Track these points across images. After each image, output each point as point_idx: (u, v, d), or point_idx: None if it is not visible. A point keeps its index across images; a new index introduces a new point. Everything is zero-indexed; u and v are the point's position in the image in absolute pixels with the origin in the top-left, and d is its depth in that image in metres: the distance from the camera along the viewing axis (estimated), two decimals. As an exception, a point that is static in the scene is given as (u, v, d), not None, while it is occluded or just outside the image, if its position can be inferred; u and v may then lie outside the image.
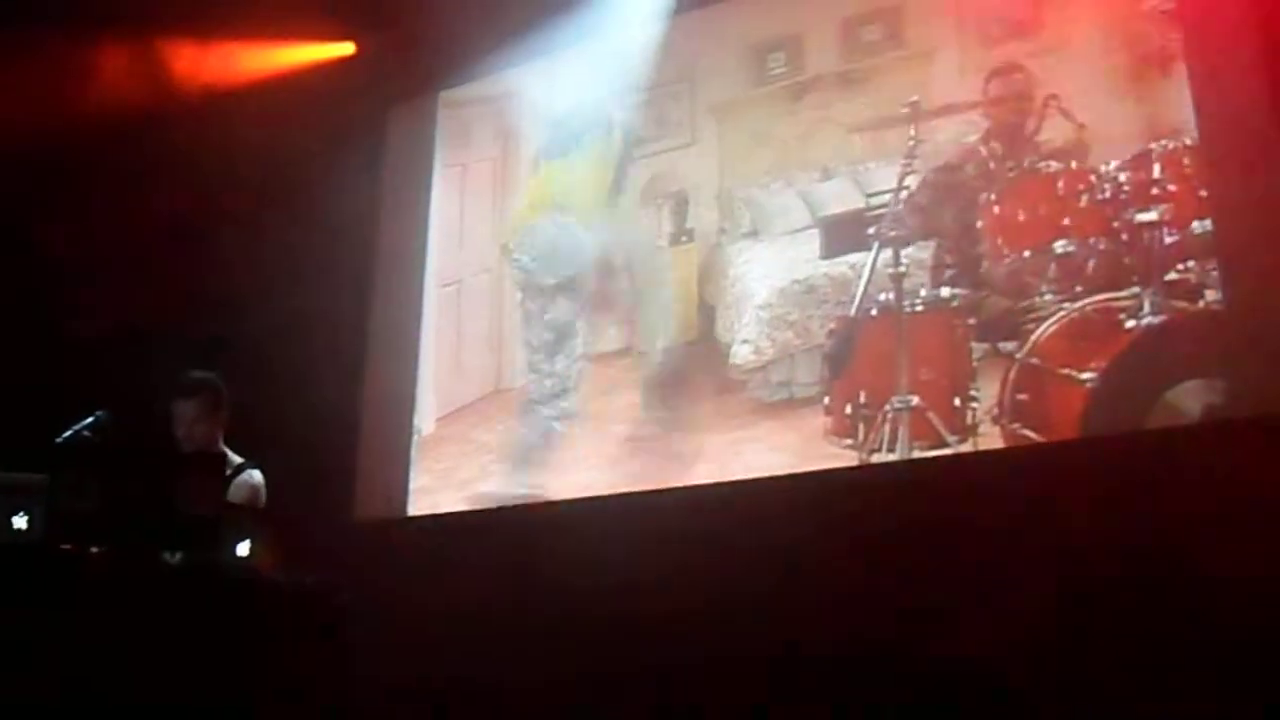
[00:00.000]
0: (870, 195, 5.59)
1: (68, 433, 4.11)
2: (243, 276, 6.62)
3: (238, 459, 4.76)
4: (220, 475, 3.68)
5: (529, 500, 6.26)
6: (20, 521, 3.54)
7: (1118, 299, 4.88)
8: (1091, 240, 4.96)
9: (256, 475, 4.82)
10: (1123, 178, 4.95)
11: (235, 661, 3.35)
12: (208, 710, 3.27)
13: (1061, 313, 4.97)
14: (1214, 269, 4.70)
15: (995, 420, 5.04)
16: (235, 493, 4.51)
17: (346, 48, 7.37)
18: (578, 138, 6.54)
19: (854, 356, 5.43)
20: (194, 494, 3.54)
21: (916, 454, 5.17)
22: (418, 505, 6.65)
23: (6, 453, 3.71)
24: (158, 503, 3.53)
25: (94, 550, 3.45)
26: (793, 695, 4.94)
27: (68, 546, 3.43)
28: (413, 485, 6.69)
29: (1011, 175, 5.27)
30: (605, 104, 6.48)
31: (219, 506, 3.55)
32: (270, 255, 6.61)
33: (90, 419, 4.18)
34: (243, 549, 3.68)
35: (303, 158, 6.64)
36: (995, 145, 5.38)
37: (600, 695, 5.23)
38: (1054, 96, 5.16)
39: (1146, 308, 4.80)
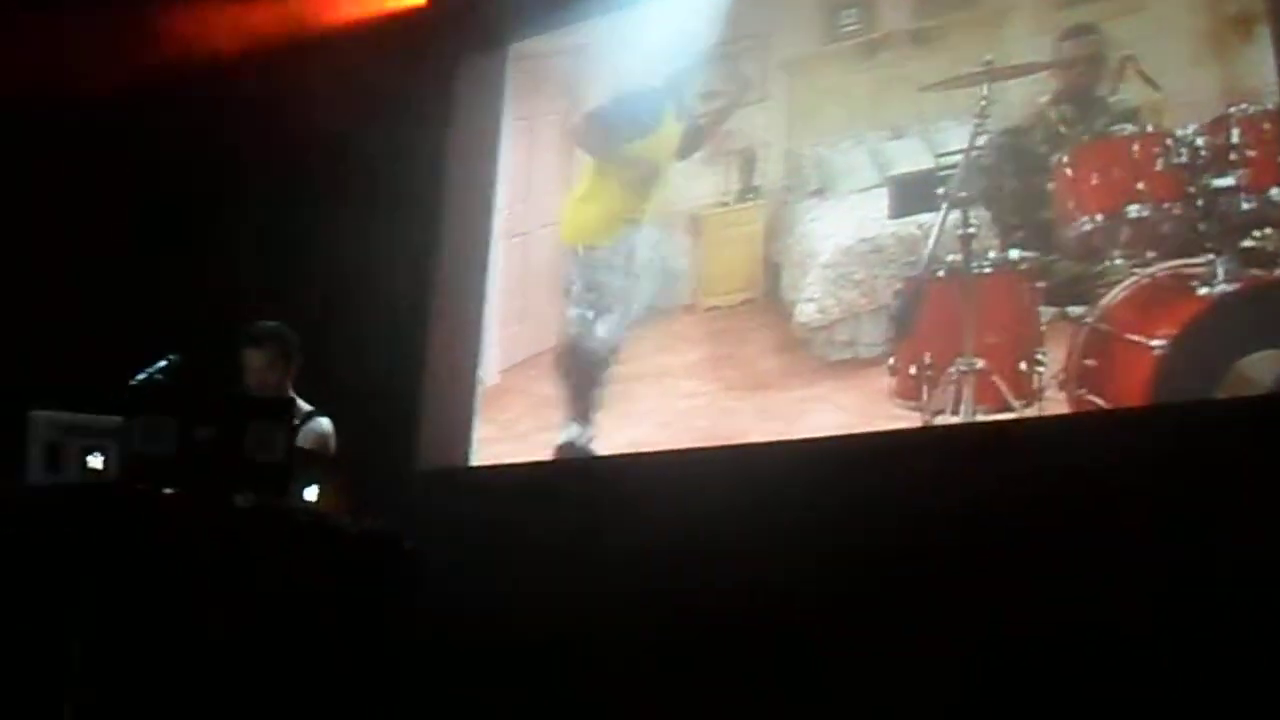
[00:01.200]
0: (940, 155, 5.52)
1: (142, 375, 4.18)
2: (313, 224, 6.69)
3: (307, 407, 4.83)
4: (289, 420, 3.72)
5: (591, 454, 6.30)
6: (96, 461, 3.63)
7: (1191, 265, 4.80)
8: (1165, 205, 4.89)
9: (325, 423, 4.89)
10: (1199, 142, 4.86)
11: (303, 604, 3.42)
12: (276, 651, 3.34)
13: (1133, 278, 4.91)
14: (1291, 237, 4.63)
15: (1061, 385, 5.00)
16: (304, 439, 4.58)
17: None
18: (639, 115, 6.49)
19: (920, 318, 5.40)
20: (263, 438, 3.60)
21: (980, 417, 5.14)
22: (480, 455, 6.72)
23: (83, 394, 3.79)
24: (228, 446, 3.59)
25: (166, 491, 3.52)
26: (854, 653, 4.95)
27: (141, 487, 3.50)
28: (476, 435, 6.76)
29: (1083, 138, 5.20)
30: (672, 64, 6.44)
31: (287, 452, 3.60)
32: (340, 204, 6.66)
33: (164, 362, 4.25)
34: (310, 494, 3.74)
35: (374, 107, 6.68)
36: (1066, 108, 5.30)
37: (663, 649, 5.27)
38: (1130, 58, 5.08)
39: (1220, 275, 4.72)
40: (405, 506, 5.45)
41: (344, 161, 6.71)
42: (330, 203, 6.69)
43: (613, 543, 5.58)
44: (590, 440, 6.34)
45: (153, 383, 4.14)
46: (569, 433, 6.41)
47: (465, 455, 6.75)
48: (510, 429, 6.66)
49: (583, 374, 6.43)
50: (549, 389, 6.56)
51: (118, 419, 3.70)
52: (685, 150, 6.41)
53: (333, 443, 4.89)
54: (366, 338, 6.46)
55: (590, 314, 6.44)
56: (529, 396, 6.67)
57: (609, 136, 6.62)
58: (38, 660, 3.25)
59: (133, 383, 4.12)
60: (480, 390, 6.84)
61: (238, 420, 3.65)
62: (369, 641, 3.54)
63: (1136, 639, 4.40)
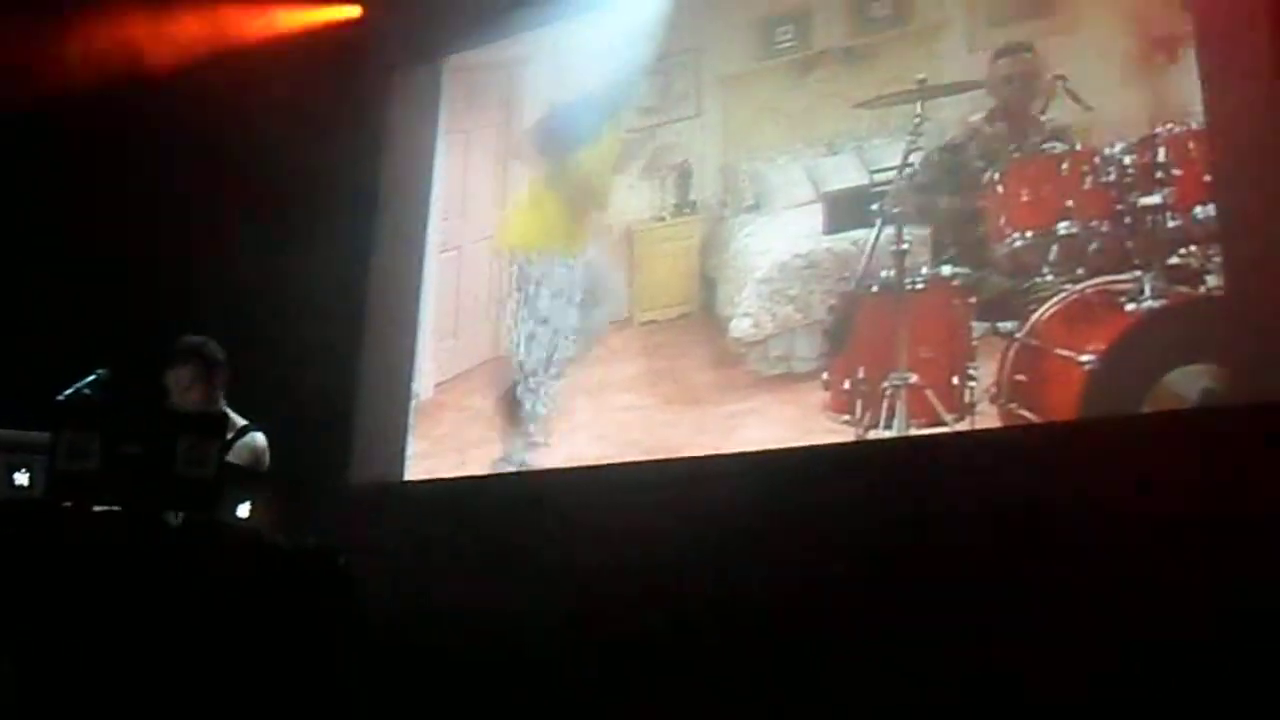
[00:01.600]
0: (875, 171, 5.59)
1: (69, 390, 4.11)
2: (245, 238, 6.61)
3: (241, 421, 4.77)
4: (221, 436, 3.66)
5: (526, 469, 6.28)
6: (21, 478, 3.56)
7: (1119, 282, 4.88)
8: (1094, 223, 4.96)
9: (260, 438, 4.82)
10: (1127, 161, 4.94)
11: (236, 622, 3.37)
12: (209, 670, 3.29)
13: (1062, 294, 4.98)
14: (1215, 255, 4.70)
15: (993, 400, 5.06)
16: (237, 454, 4.52)
17: (353, 10, 7.33)
18: (578, 126, 6.50)
19: (854, 333, 5.44)
20: (194, 454, 3.54)
21: (914, 431, 5.19)
22: (415, 470, 6.68)
23: (9, 410, 3.72)
24: (158, 462, 3.53)
25: (94, 509, 3.45)
26: (784, 668, 4.97)
27: (68, 504, 3.43)
28: (410, 450, 6.71)
29: (1015, 155, 5.27)
30: (608, 77, 6.45)
31: (218, 467, 3.54)
32: (274, 218, 6.60)
33: (91, 376, 4.18)
34: (243, 510, 3.69)
35: (308, 120, 6.63)
36: (1000, 125, 5.37)
37: (598, 662, 5.26)
38: (1061, 77, 5.16)
39: (1147, 291, 4.80)
40: (339, 522, 5.41)
41: (278, 175, 6.63)
42: (264, 216, 6.61)
43: (548, 557, 5.57)
44: (525, 454, 6.32)
45: (80, 397, 4.07)
46: (504, 447, 6.38)
47: (399, 470, 6.70)
48: (444, 443, 6.63)
49: (518, 388, 6.41)
50: (483, 402, 6.54)
51: (44, 435, 3.63)
52: (623, 164, 6.41)
53: (266, 458, 4.83)
54: (300, 352, 6.39)
55: (526, 326, 6.43)
56: (463, 411, 6.64)
57: (551, 149, 6.61)
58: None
59: (59, 398, 4.05)
60: (414, 405, 6.80)
61: (167, 435, 3.58)
62: (304, 659, 3.49)
63: (1065, 649, 4.45)
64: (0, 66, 6.18)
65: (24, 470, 3.57)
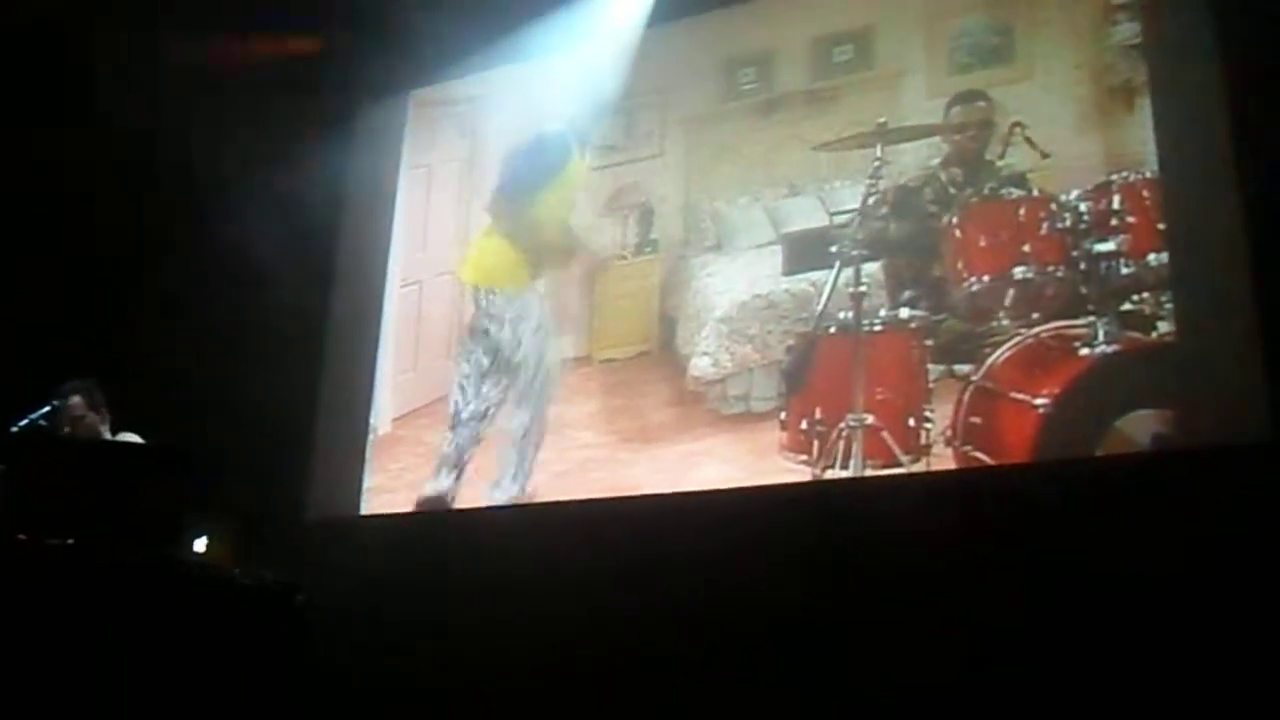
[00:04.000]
0: (834, 213, 5.65)
1: (23, 422, 4.07)
2: (202, 270, 6.58)
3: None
4: (182, 471, 3.64)
5: (483, 505, 6.26)
6: (-26, 511, 3.52)
7: (1073, 327, 4.95)
8: (1050, 268, 5.03)
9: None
10: (1083, 207, 5.03)
11: (194, 656, 3.34)
12: (167, 705, 3.26)
13: (1018, 338, 5.04)
14: (1168, 301, 4.80)
15: (948, 442, 5.10)
16: None
17: (315, 43, 7.33)
18: (541, 164, 6.53)
19: (811, 373, 5.48)
20: (151, 488, 3.52)
21: (869, 472, 5.22)
22: (370, 505, 6.64)
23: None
24: (114, 496, 3.50)
25: (50, 542, 3.42)
26: (737, 703, 4.97)
27: (23, 538, 3.40)
28: (366, 484, 6.68)
29: (972, 201, 5.33)
30: (572, 115, 6.48)
31: (176, 502, 3.52)
32: (231, 250, 6.56)
33: (45, 408, 4.15)
34: (199, 545, 3.67)
35: (269, 151, 6.62)
36: (955, 171, 5.45)
37: (550, 692, 5.24)
38: (1019, 124, 5.23)
39: (1101, 336, 4.88)
40: (294, 556, 5.37)
41: (237, 206, 6.61)
42: (221, 249, 6.58)
43: (503, 593, 5.54)
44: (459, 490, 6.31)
45: (34, 429, 4.04)
46: (456, 483, 6.36)
47: (355, 505, 6.66)
48: (401, 478, 6.60)
49: (472, 425, 6.39)
50: (439, 438, 6.51)
51: (-1, 467, 3.59)
52: (583, 202, 6.44)
53: None
54: (257, 386, 6.35)
55: (486, 361, 6.41)
56: (421, 445, 6.61)
57: (515, 202, 6.61)
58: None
59: (13, 429, 4.01)
60: (372, 439, 6.77)
61: (123, 468, 3.56)
62: (261, 694, 3.46)
63: (1016, 689, 4.48)
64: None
65: (-23, 503, 3.53)
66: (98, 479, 3.47)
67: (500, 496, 6.20)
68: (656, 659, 5.14)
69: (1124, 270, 4.89)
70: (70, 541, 3.39)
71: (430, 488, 6.41)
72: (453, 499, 6.34)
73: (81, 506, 3.42)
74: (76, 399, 4.74)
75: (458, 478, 6.35)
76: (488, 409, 6.35)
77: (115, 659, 3.25)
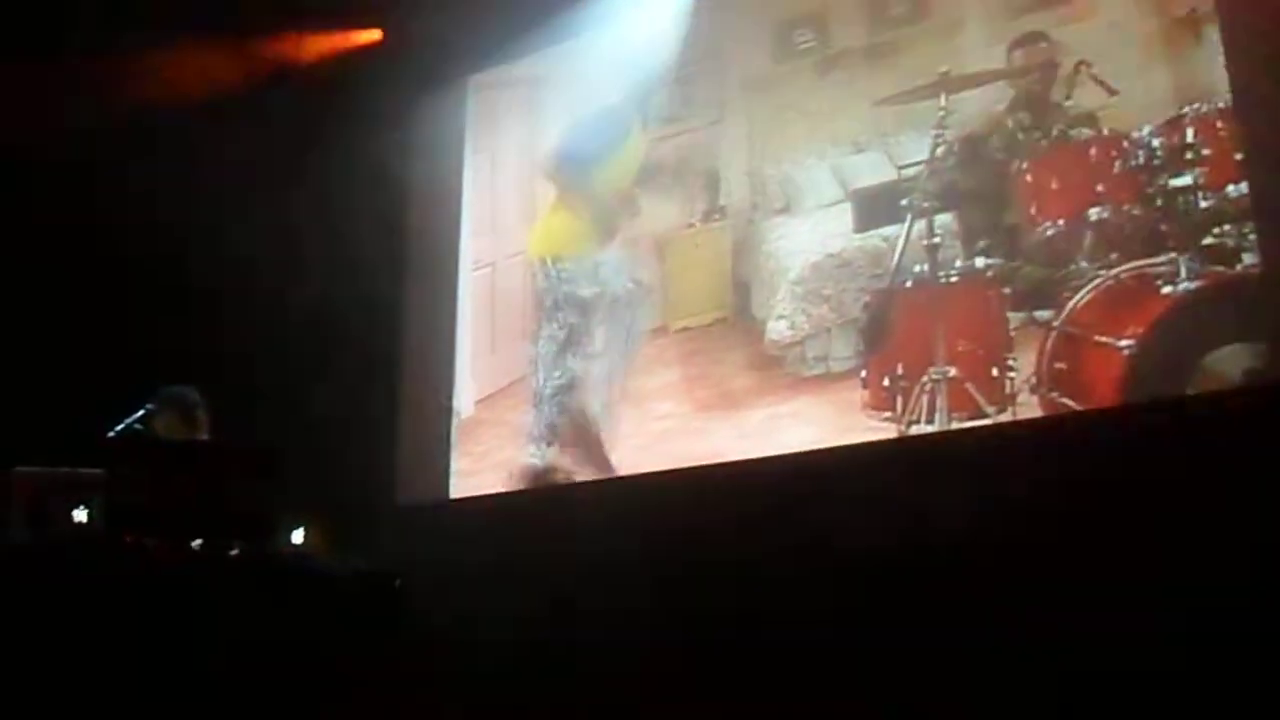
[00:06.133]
0: (902, 167, 5.59)
1: (119, 427, 4.16)
2: (279, 266, 6.67)
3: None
4: (272, 467, 3.70)
5: (570, 481, 6.31)
6: (80, 515, 3.61)
7: (1154, 265, 4.87)
8: (1126, 207, 4.96)
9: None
10: (1155, 143, 4.93)
11: (296, 649, 3.41)
12: (276, 696, 3.33)
13: (1097, 280, 4.97)
14: (1251, 232, 4.69)
15: (1033, 389, 5.05)
16: None
17: (374, 34, 7.40)
18: (601, 138, 6.53)
19: (890, 329, 5.45)
20: (247, 486, 3.59)
21: (955, 425, 5.18)
22: (459, 488, 6.72)
23: (65, 449, 3.78)
24: (211, 496, 3.57)
25: (153, 543, 3.50)
26: (838, 665, 4.97)
27: (129, 539, 3.48)
28: (454, 468, 6.75)
29: (1041, 144, 5.26)
30: (631, 89, 6.47)
31: (272, 500, 3.59)
32: (305, 245, 6.65)
33: (141, 412, 4.24)
34: (297, 537, 3.74)
35: (335, 145, 6.69)
36: (1022, 115, 5.38)
37: (653, 672, 5.27)
38: (1084, 63, 5.15)
39: (1183, 273, 4.78)
40: (388, 543, 5.45)
41: (307, 200, 6.70)
42: (296, 243, 6.67)
43: (597, 568, 5.58)
44: (568, 466, 6.34)
45: (131, 433, 4.13)
46: (545, 459, 6.41)
47: (444, 488, 6.74)
48: (487, 459, 6.67)
49: (557, 400, 6.43)
50: (523, 418, 6.56)
51: (97, 472, 3.68)
52: (649, 176, 6.44)
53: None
54: (340, 377, 6.44)
55: (562, 334, 6.43)
56: (504, 426, 6.67)
57: (577, 168, 6.63)
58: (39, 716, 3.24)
59: (111, 434, 4.10)
60: (456, 423, 6.84)
61: (219, 468, 3.63)
62: (365, 678, 3.52)
63: (1121, 638, 4.44)
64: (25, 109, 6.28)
65: (82, 507, 3.62)
66: (195, 479, 3.55)
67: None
68: (758, 626, 5.15)
69: (1203, 204, 4.80)
70: (171, 540, 3.48)
71: (526, 464, 6.45)
72: (551, 473, 6.38)
73: (181, 507, 3.50)
74: (157, 420, 4.84)
75: (556, 451, 6.38)
76: (570, 380, 6.38)
77: (221, 652, 3.33)
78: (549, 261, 6.53)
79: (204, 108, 6.82)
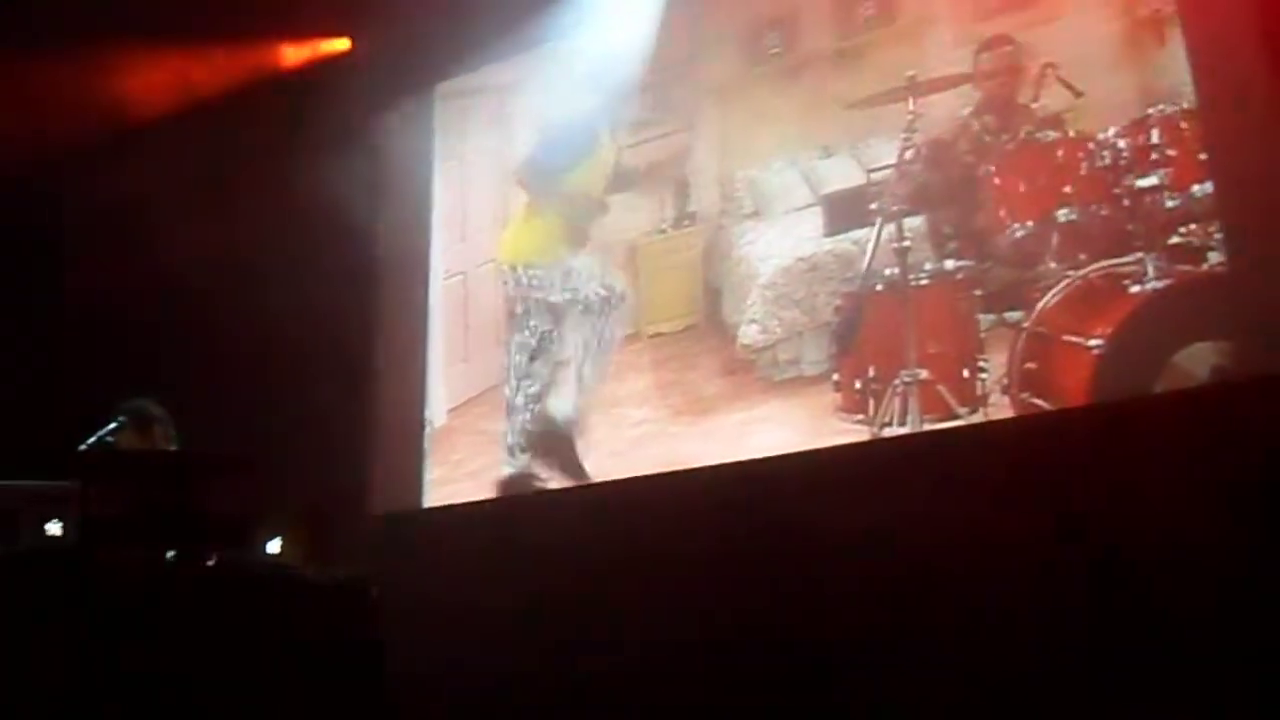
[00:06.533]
0: (871, 171, 5.62)
1: (92, 439, 4.14)
2: (247, 277, 6.65)
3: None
4: (246, 475, 3.69)
5: (541, 488, 6.30)
6: (54, 528, 3.59)
7: (1122, 265, 4.92)
8: (1093, 207, 5.00)
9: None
10: (1121, 144, 4.98)
11: (274, 657, 3.40)
12: (253, 707, 3.32)
13: (1066, 280, 5.01)
14: (1217, 231, 4.74)
15: (1005, 390, 5.08)
16: None
17: (342, 44, 7.38)
18: (572, 145, 6.54)
19: (861, 332, 5.47)
20: (223, 495, 3.58)
21: (928, 426, 5.21)
22: (433, 497, 6.70)
23: (36, 462, 3.75)
24: (187, 505, 3.56)
25: (128, 554, 3.48)
26: (812, 673, 4.99)
27: (102, 551, 3.46)
28: (428, 477, 6.74)
29: (1008, 147, 5.30)
30: (600, 95, 6.48)
31: (248, 506, 3.58)
32: (273, 254, 6.63)
33: (113, 424, 4.22)
34: (273, 546, 3.73)
35: (302, 155, 6.66)
36: (988, 118, 5.41)
37: (622, 679, 5.28)
38: (1051, 65, 5.19)
39: (1150, 272, 4.84)
40: (361, 552, 5.43)
41: (275, 211, 6.68)
42: (263, 253, 6.65)
43: (571, 576, 5.58)
44: (541, 473, 6.34)
45: (103, 445, 4.11)
46: (518, 467, 6.40)
47: (418, 498, 6.73)
48: (461, 468, 6.66)
49: (529, 407, 6.43)
50: (496, 426, 6.56)
51: (71, 484, 3.65)
52: (620, 180, 6.45)
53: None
54: (312, 386, 6.42)
55: (533, 341, 6.44)
56: (478, 435, 6.66)
57: (546, 175, 6.64)
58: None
59: (83, 446, 4.08)
60: (429, 431, 6.83)
61: (194, 478, 3.62)
62: (341, 692, 3.51)
63: (1087, 642, 4.47)
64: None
65: (56, 520, 3.60)
66: (169, 489, 3.53)
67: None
68: (734, 631, 5.16)
69: (1169, 204, 4.85)
70: (146, 551, 3.46)
71: (504, 473, 6.45)
72: (525, 480, 6.37)
73: (155, 517, 3.48)
74: (141, 414, 4.80)
75: (529, 458, 6.38)
76: (542, 387, 6.37)
77: (198, 663, 3.31)
78: (519, 268, 6.54)
79: (173, 115, 6.81)
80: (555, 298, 6.42)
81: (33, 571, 3.35)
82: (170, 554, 3.47)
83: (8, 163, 6.34)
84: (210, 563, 3.46)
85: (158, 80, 6.82)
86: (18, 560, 3.41)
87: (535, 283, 6.47)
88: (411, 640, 4.82)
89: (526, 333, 6.47)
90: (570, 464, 6.25)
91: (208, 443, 4.74)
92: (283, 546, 3.77)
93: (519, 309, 6.52)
